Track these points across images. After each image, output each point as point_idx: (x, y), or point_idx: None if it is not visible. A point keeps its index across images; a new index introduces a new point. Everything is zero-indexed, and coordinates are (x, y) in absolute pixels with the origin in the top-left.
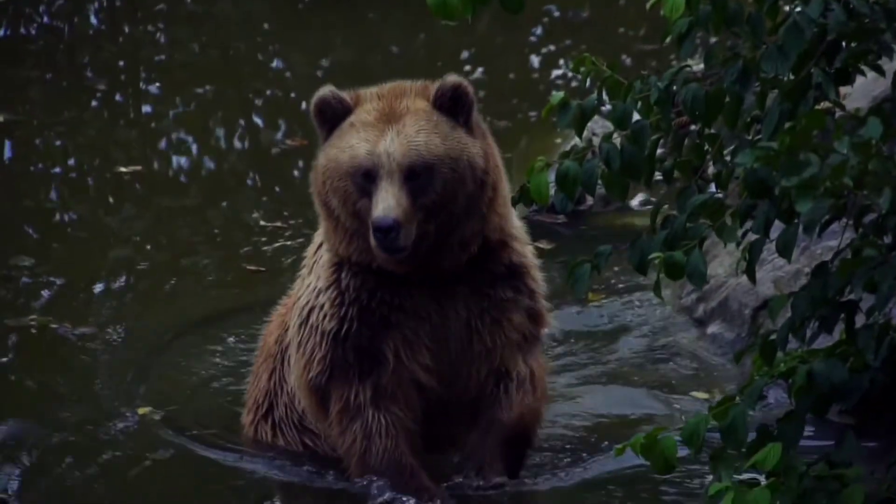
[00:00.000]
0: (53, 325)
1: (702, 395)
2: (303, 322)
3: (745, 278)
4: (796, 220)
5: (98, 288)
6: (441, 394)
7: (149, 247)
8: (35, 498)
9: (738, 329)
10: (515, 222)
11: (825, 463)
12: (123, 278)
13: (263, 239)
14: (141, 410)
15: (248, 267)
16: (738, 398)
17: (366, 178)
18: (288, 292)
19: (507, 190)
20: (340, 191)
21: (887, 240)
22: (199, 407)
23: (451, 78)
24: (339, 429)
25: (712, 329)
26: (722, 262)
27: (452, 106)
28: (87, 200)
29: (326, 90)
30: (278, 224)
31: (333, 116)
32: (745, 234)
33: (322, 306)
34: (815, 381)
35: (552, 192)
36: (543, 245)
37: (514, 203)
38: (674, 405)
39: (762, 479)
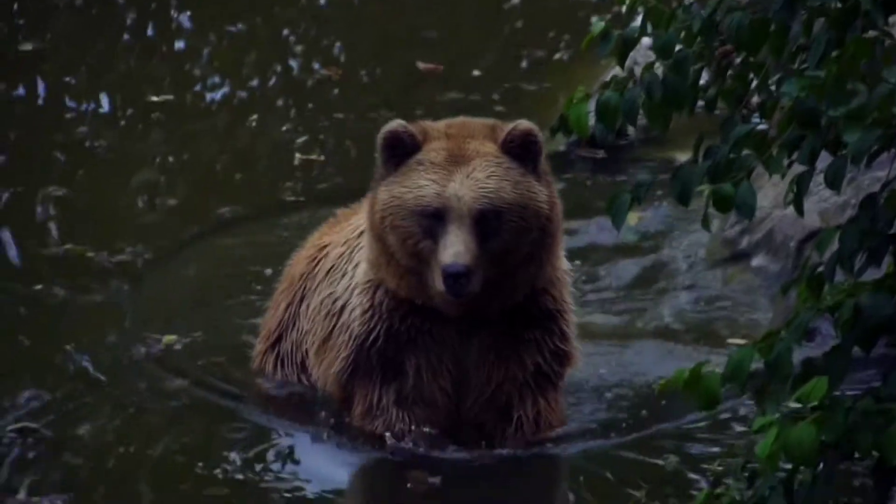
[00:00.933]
0: (90, 254)
1: (739, 341)
2: (336, 314)
3: (790, 210)
4: (843, 151)
5: (129, 215)
6: (454, 417)
7: (180, 173)
8: (60, 425)
9: (782, 261)
10: (564, 265)
11: (872, 397)
12: (154, 203)
13: (297, 166)
14: (166, 339)
15: (288, 198)
16: (783, 332)
17: (432, 220)
18: (324, 224)
19: (562, 235)
20: (401, 230)
21: None
22: (221, 337)
23: (523, 124)
24: (362, 424)
25: (756, 261)
26: (766, 193)
27: (522, 152)
28: (117, 130)
29: (397, 124)
30: (313, 156)
31: (403, 152)
32: (790, 165)
33: (353, 309)
34: (862, 315)
35: (592, 123)
36: (582, 177)
37: (553, 133)
38: (709, 351)
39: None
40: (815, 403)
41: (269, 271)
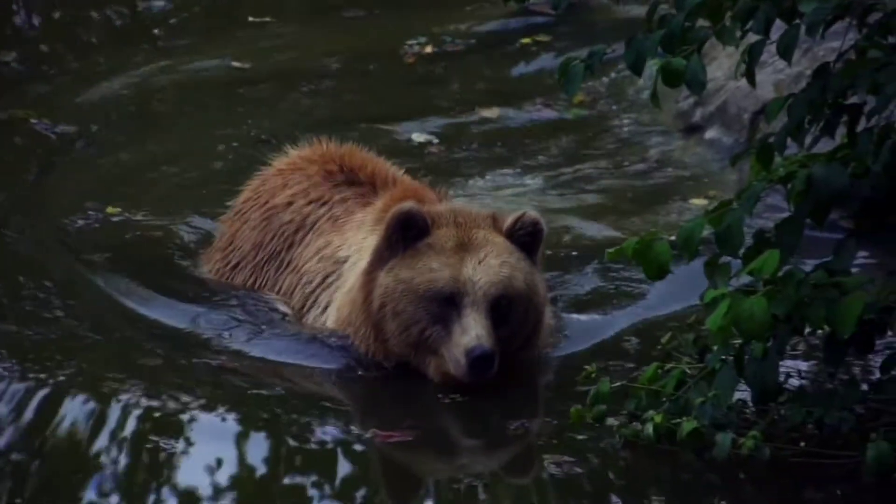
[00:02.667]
0: (33, 120)
1: (700, 201)
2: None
3: (744, 82)
4: (799, 21)
5: (83, 86)
6: None
7: (138, 50)
8: None
9: (736, 134)
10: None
11: (824, 270)
12: (109, 79)
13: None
14: (109, 209)
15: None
16: (734, 203)
17: (444, 305)
18: (307, 151)
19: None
20: (406, 315)
21: (893, 40)
22: (168, 213)
23: (531, 214)
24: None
25: (710, 134)
26: (721, 64)
27: (528, 241)
28: None
29: (412, 206)
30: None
31: (415, 234)
32: (744, 36)
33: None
34: (814, 186)
35: None
36: (540, 38)
37: (506, 1)
38: (670, 214)
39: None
40: (767, 277)
41: (221, 147)
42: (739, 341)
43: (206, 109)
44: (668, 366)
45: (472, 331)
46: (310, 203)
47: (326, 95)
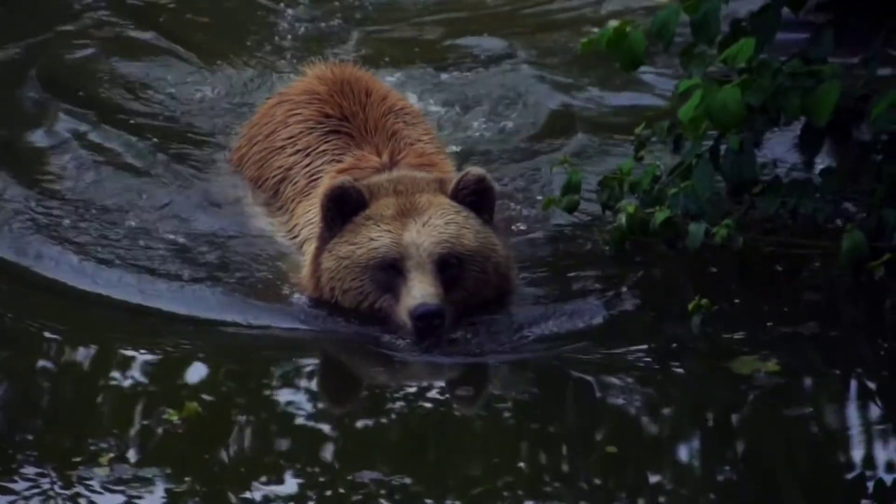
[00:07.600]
0: None
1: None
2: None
3: None
4: None
5: None
6: None
7: None
8: None
9: None
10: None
11: (800, 59)
12: None
13: None
14: None
15: None
16: None
17: (389, 272)
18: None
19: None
20: (354, 291)
21: None
22: None
23: (474, 170)
24: None
25: None
26: None
27: (476, 199)
28: None
29: (344, 182)
30: None
31: (350, 210)
32: None
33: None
34: None
35: None
36: None
37: None
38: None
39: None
40: (742, 66)
41: None
42: (715, 134)
43: None
44: (641, 154)
45: (415, 291)
46: (297, 152)
47: None
